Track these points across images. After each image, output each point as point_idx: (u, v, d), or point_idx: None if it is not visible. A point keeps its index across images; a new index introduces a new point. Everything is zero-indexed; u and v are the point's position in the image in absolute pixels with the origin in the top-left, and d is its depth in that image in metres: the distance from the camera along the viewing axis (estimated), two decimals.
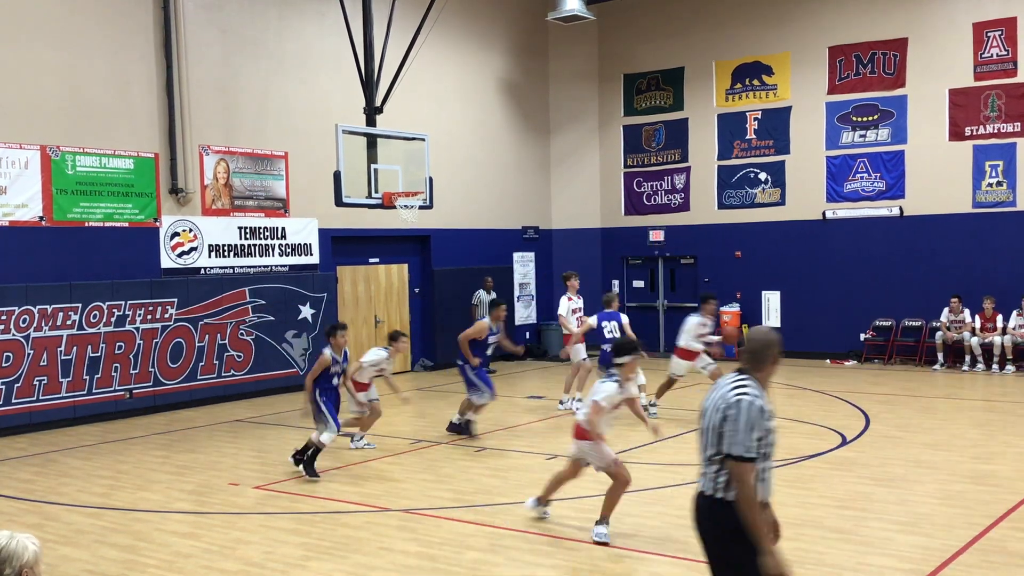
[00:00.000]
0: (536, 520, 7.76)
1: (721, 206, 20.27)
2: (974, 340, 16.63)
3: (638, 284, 21.25)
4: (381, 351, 10.71)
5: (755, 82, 19.78)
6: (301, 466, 9.57)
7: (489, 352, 11.87)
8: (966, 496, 8.27)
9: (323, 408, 9.75)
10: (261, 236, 15.85)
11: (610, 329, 12.73)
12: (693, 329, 12.44)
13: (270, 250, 15.96)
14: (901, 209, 18.28)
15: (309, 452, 9.64)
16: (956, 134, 17.75)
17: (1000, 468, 9.33)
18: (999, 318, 16.67)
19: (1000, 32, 17.25)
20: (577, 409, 12.67)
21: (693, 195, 20.66)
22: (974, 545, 6.85)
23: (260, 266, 15.78)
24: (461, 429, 11.53)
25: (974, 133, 17.56)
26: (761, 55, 19.68)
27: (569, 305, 14.03)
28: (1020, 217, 17.08)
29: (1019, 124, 17.12)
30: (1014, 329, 16.53)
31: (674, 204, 20.89)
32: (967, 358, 16.80)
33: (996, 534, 7.11)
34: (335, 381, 9.96)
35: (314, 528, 7.76)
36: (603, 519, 7.34)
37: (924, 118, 18.04)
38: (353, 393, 10.49)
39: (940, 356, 17.13)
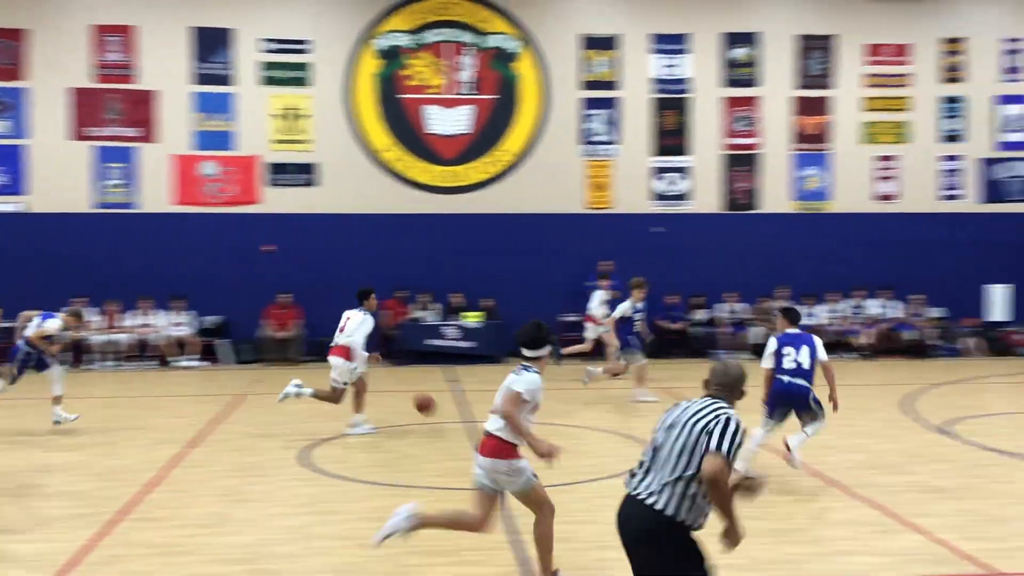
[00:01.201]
0: None
1: None
2: (97, 338, 16.98)
3: None
4: None
5: None
6: None
7: None
8: (93, 494, 8.35)
9: None
10: None
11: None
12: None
13: None
14: (25, 205, 17.67)
15: None
16: (78, 134, 17.84)
17: (128, 462, 9.66)
18: (124, 317, 17.36)
19: (119, 38, 17.87)
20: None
21: None
22: (101, 542, 6.95)
23: None
24: None
25: (96, 134, 17.87)
26: None
27: None
28: (141, 219, 17.95)
29: (139, 129, 17.98)
30: (136, 327, 17.38)
31: None
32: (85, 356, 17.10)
33: (121, 527, 7.34)
34: None
35: None
36: (551, 573, 5.94)
37: (46, 114, 17.73)
38: None
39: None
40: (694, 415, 4.40)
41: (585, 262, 18.28)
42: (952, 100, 19.49)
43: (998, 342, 18.62)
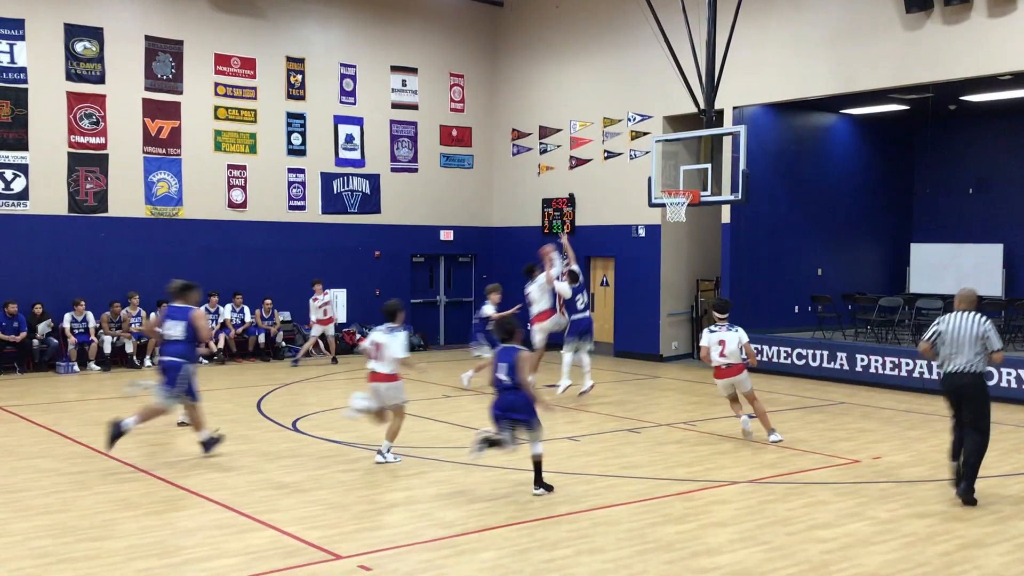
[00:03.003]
0: None
1: None
2: None
3: None
4: None
5: None
6: None
7: None
8: None
9: None
10: None
11: None
12: None
13: None
14: None
15: None
16: None
17: None
18: None
19: None
20: None
21: None
22: None
23: None
24: None
25: None
26: None
27: None
28: None
29: None
30: None
31: None
32: None
33: None
34: None
35: None
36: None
37: None
38: None
39: None
40: (973, 322, 8.30)
41: None
42: (296, 116, 20.74)
43: (342, 341, 20.29)
